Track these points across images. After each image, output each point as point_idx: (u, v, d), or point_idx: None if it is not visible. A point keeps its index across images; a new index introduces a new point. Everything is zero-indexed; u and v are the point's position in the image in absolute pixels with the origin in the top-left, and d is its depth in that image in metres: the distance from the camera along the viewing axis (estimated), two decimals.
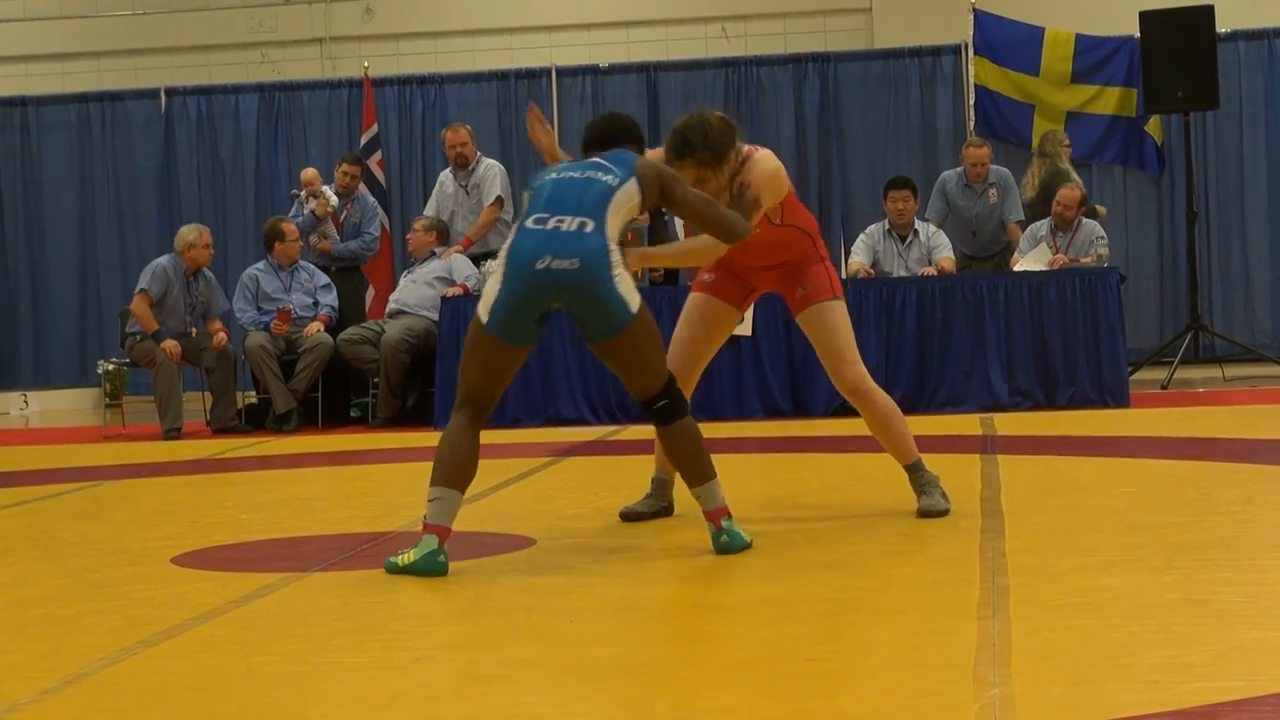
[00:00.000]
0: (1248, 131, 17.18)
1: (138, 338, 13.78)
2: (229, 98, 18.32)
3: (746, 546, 6.40)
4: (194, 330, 13.87)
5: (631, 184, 6.34)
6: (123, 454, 12.27)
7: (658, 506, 7.43)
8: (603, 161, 6.43)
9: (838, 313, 7.13)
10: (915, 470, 7.22)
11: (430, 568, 6.05)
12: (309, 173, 15.10)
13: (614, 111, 7.05)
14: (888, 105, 17.55)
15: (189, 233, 14.08)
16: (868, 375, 7.15)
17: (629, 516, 7.36)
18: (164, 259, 14.04)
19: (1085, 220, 13.94)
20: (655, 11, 18.50)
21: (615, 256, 6.22)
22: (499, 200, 14.18)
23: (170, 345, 13.58)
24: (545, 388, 12.97)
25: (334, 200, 14.71)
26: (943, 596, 5.41)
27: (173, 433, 13.42)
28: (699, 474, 6.42)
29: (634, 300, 6.23)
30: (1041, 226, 13.88)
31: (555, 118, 17.59)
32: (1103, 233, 13.84)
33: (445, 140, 14.55)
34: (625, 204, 6.33)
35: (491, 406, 6.44)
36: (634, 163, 6.42)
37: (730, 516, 6.42)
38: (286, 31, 18.73)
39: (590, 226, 6.22)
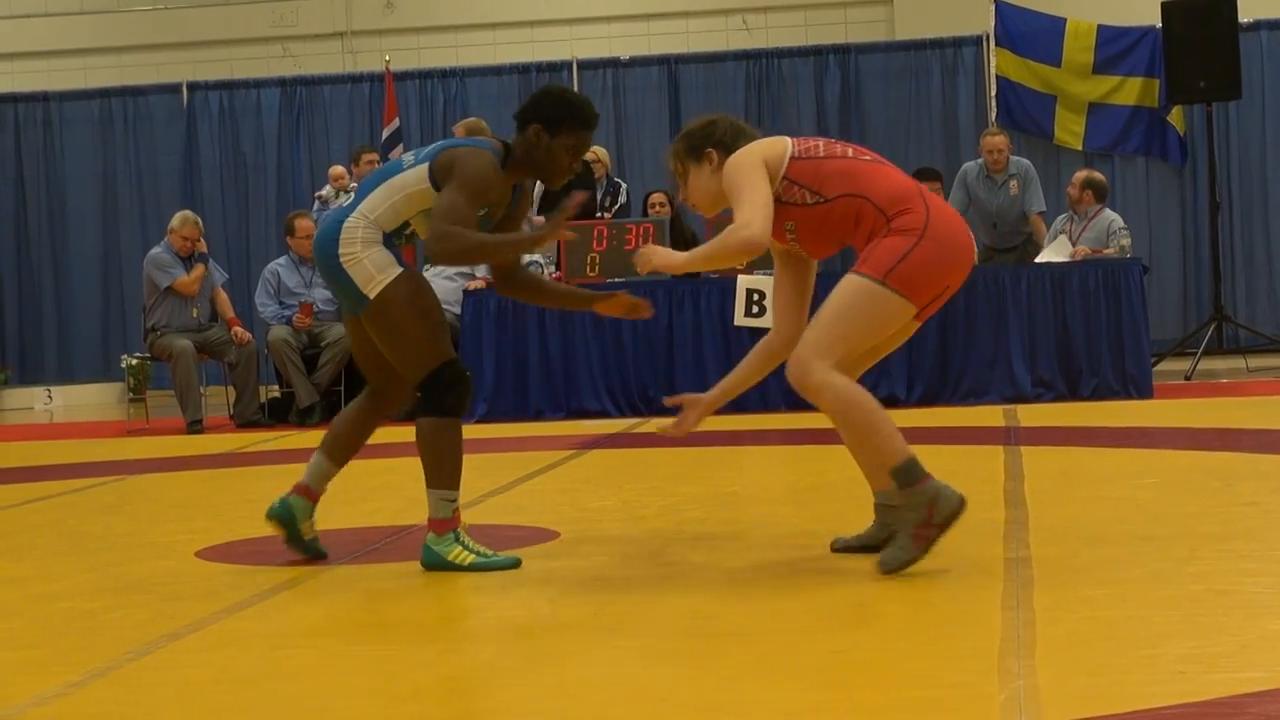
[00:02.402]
0: (1270, 121, 17.16)
1: (158, 333, 13.82)
2: (250, 92, 18.38)
3: (445, 564, 6.04)
4: (196, 311, 13.91)
5: (422, 169, 6.09)
6: (146, 448, 12.30)
7: (880, 537, 6.03)
8: (440, 143, 6.25)
9: (848, 288, 5.74)
10: (899, 477, 5.70)
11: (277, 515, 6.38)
12: (336, 170, 15.14)
13: (549, 85, 6.51)
14: (909, 97, 17.55)
15: (183, 222, 14.12)
16: (820, 370, 5.72)
17: (839, 548, 6.21)
18: (158, 250, 14.06)
19: (1106, 211, 13.91)
20: (676, 4, 18.52)
21: (354, 234, 6.04)
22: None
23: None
24: (567, 380, 12.97)
25: None
26: (966, 588, 5.41)
27: (195, 425, 13.46)
28: (433, 477, 6.09)
29: (370, 284, 6.02)
30: (1063, 219, 13.87)
31: None
32: (1123, 224, 13.82)
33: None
34: (409, 189, 6.07)
35: (380, 383, 6.41)
36: (440, 149, 6.11)
37: (443, 534, 6.05)
38: (307, 26, 18.77)
39: (347, 203, 6.19)
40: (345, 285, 6.07)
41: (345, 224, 6.08)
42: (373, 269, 6.04)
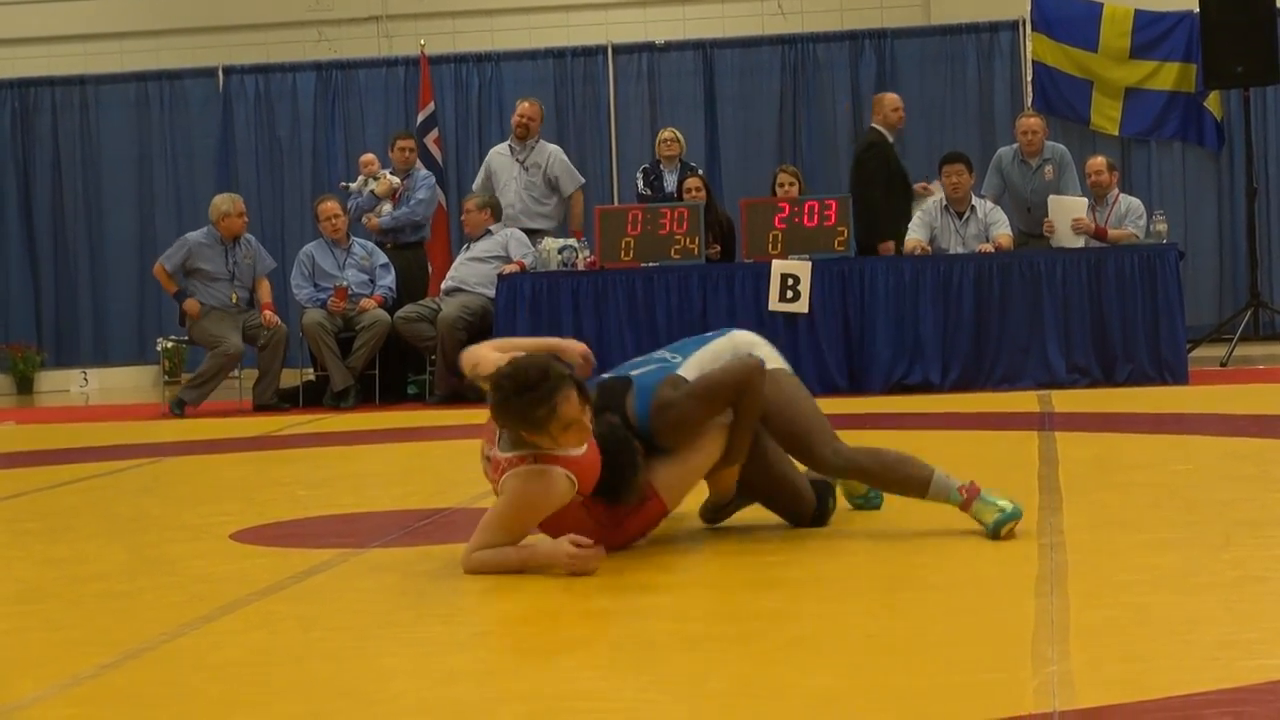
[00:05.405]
0: None
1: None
2: (286, 76, 18.38)
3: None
4: (234, 296, 13.89)
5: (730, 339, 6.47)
6: (181, 431, 12.33)
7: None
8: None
9: None
10: None
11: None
12: (367, 157, 15.14)
13: None
14: (945, 82, 17.49)
15: (223, 202, 14.11)
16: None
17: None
18: (196, 233, 14.11)
19: (1125, 195, 13.82)
20: None
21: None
22: (580, 188, 14.73)
23: (190, 304, 13.69)
24: (602, 364, 12.76)
25: (396, 181, 14.77)
26: (1001, 573, 5.40)
27: (178, 408, 13.44)
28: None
29: None
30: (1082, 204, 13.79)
31: (611, 94, 17.60)
32: (1142, 210, 13.65)
33: (517, 109, 14.65)
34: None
35: None
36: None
37: (976, 496, 6.03)
38: (343, 10, 18.77)
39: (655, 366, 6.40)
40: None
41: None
42: None
